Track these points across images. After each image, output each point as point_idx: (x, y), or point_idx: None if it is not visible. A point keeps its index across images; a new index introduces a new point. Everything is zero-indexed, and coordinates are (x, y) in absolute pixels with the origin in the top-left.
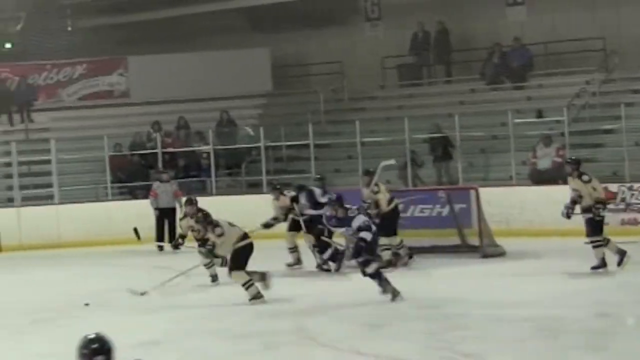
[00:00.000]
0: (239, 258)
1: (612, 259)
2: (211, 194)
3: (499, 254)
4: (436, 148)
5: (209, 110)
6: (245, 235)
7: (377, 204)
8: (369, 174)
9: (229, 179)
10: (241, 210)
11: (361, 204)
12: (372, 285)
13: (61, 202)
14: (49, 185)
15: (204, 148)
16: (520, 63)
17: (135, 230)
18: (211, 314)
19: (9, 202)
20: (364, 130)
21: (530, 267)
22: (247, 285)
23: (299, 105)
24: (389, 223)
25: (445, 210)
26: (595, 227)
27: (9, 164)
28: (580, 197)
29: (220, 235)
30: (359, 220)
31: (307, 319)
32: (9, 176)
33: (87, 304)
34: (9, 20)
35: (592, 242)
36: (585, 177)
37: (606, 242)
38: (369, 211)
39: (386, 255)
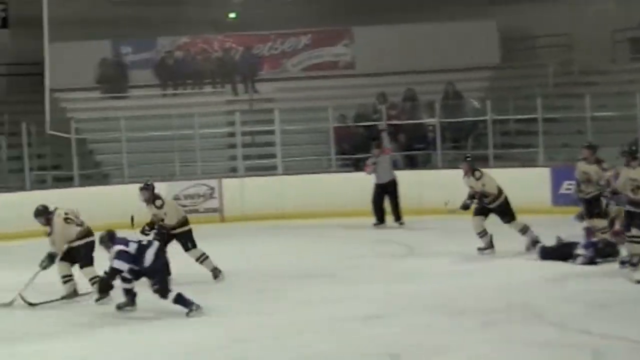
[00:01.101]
0: (83, 256)
1: None
2: (437, 167)
3: None
4: None
5: (435, 82)
6: (88, 233)
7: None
8: (591, 147)
9: (455, 152)
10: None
11: (577, 178)
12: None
13: (284, 173)
14: (273, 156)
15: (430, 120)
16: None
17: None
18: (427, 290)
19: (232, 172)
20: (594, 104)
21: None
22: (93, 280)
23: (527, 79)
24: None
25: None
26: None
27: (232, 134)
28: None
29: (49, 234)
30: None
31: (531, 297)
32: (233, 146)
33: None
34: None
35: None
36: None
37: None
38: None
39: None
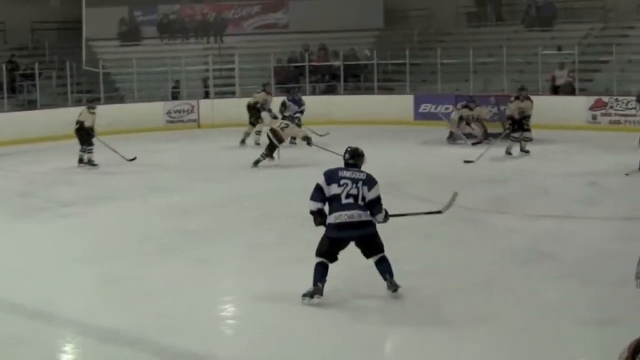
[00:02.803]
0: None
1: None
2: (340, 94)
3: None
4: None
5: (340, 38)
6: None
7: None
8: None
9: (352, 84)
10: None
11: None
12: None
13: (240, 97)
14: (233, 85)
15: (336, 63)
16: None
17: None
18: None
19: (206, 95)
20: (443, 55)
21: None
22: None
23: (400, 37)
24: None
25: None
26: None
27: (207, 70)
28: None
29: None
30: None
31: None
32: (207, 78)
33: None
34: None
35: None
36: None
37: None
38: None
39: None
